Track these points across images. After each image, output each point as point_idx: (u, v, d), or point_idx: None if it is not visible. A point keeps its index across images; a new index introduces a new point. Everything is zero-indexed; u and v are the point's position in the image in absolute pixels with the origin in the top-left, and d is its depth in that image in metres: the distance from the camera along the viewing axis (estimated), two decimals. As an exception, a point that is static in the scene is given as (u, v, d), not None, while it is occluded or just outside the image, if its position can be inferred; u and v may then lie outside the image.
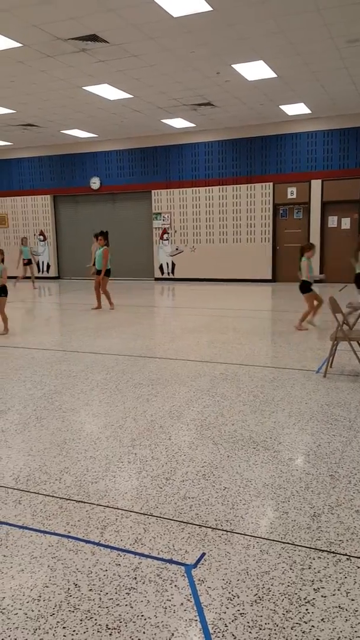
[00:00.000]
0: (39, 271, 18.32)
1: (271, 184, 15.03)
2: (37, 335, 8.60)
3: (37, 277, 16.72)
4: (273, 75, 10.17)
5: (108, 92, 11.13)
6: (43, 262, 18.57)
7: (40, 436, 4.13)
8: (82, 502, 3.08)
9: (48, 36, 8.06)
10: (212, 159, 15.68)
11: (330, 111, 13.51)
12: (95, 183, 17.26)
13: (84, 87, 10.85)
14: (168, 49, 8.72)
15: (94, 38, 8.19)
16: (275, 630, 2.05)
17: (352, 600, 2.21)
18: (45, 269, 18.58)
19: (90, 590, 2.31)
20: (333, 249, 14.73)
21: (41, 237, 18.42)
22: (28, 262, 15.48)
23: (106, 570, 2.44)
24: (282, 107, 12.82)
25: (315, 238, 14.70)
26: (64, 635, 2.04)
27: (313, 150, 14.46)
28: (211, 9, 7.14)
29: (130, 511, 2.95)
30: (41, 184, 18.15)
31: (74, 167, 17.56)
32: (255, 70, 9.86)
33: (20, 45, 8.41)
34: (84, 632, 2.06)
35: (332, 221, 14.70)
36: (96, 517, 2.91)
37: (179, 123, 14.39)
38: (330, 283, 14.54)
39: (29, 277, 15.69)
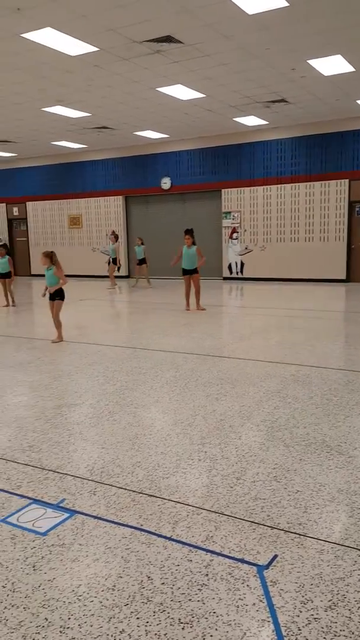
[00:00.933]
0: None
1: (347, 180, 14.59)
2: (109, 332, 8.81)
3: (108, 276, 17.15)
4: (351, 69, 9.87)
5: (181, 92, 11.22)
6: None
7: (113, 430, 4.23)
8: (153, 496, 3.13)
9: (123, 39, 8.22)
10: (285, 156, 15.43)
11: None
12: (166, 183, 17.45)
13: (158, 89, 10.99)
14: (242, 47, 8.67)
15: (168, 39, 8.28)
16: (351, 637, 1.99)
17: None
18: (116, 268, 18.97)
19: (163, 583, 2.34)
20: None
21: (113, 237, 18.84)
22: (140, 262, 15.77)
23: (178, 565, 2.46)
24: (359, 101, 12.42)
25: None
26: (138, 626, 2.08)
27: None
28: (287, 4, 7.02)
29: (201, 508, 2.97)
30: (113, 185, 18.56)
31: (145, 168, 17.84)
32: (332, 65, 9.61)
33: (97, 49, 8.63)
34: (157, 624, 2.09)
35: None
36: (167, 512, 2.94)
37: (251, 121, 14.27)
38: None
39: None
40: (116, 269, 16.24)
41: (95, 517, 2.90)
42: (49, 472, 3.48)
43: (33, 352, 7.23)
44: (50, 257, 7.74)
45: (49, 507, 3.02)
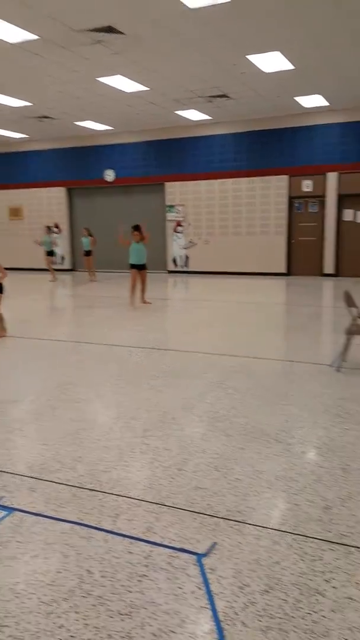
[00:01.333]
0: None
1: (286, 176, 14.92)
2: (52, 326, 8.66)
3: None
4: (290, 66, 10.07)
5: (123, 84, 11.11)
6: (57, 255, 18.65)
7: (54, 426, 4.17)
8: (94, 490, 3.11)
9: (64, 28, 8.05)
10: (227, 151, 15.60)
11: (349, 103, 13.35)
12: (109, 175, 17.27)
13: (99, 79, 10.83)
14: (184, 41, 8.67)
15: (109, 30, 8.17)
16: (285, 619, 2.07)
17: (363, 591, 2.22)
18: (59, 260, 18.66)
19: (103, 576, 2.34)
20: (349, 242, 14.63)
21: (56, 230, 18.50)
22: (86, 254, 15.56)
23: (118, 558, 2.47)
24: (298, 98, 12.71)
25: (330, 231, 14.60)
26: (77, 620, 2.08)
27: (330, 143, 14.32)
28: (229, 0, 7.08)
29: (142, 500, 2.98)
30: (55, 176, 18.19)
31: (88, 160, 17.58)
32: (272, 62, 9.78)
33: (37, 37, 8.42)
34: (96, 617, 2.09)
35: (348, 214, 14.57)
36: (108, 505, 2.94)
37: (194, 115, 14.33)
38: (346, 277, 14.44)
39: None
40: (54, 261, 15.97)
41: (34, 514, 2.86)
42: (-13, 470, 3.40)
43: (-29, 347, 7.01)
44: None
45: (-13, 506, 2.95)
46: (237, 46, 8.99)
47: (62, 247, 18.55)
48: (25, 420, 4.33)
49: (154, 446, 3.73)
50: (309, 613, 2.10)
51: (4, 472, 3.38)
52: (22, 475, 3.33)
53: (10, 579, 2.34)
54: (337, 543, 2.56)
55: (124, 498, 3.02)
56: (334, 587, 2.25)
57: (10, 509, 2.91)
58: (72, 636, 2.00)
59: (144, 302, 10.36)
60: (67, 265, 18.60)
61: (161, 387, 5.13)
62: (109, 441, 3.84)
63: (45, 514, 2.86)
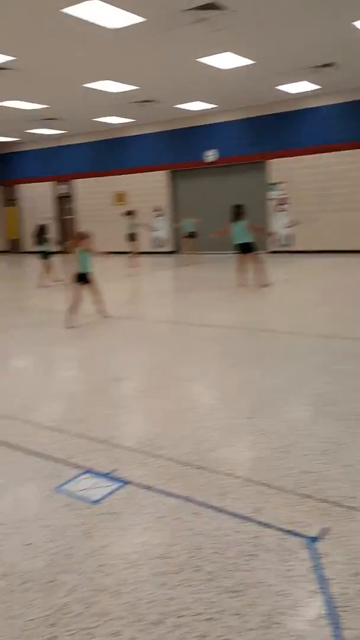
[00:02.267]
0: (155, 246, 18.81)
1: None
2: (155, 308, 8.86)
3: (154, 252, 17.16)
4: None
5: (225, 61, 10.95)
6: (159, 238, 18.97)
7: (160, 404, 4.28)
8: (201, 468, 3.15)
9: (169, 8, 8.04)
10: (333, 122, 14.87)
11: None
12: (210, 156, 17.18)
13: (201, 59, 10.75)
14: (287, 11, 8.34)
15: (212, 6, 8.05)
16: None
17: None
18: (161, 243, 18.98)
19: (213, 553, 2.37)
20: None
21: (158, 213, 18.80)
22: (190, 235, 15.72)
23: (227, 536, 2.49)
24: None
25: None
26: (190, 593, 2.12)
27: None
28: None
29: (250, 481, 2.97)
30: (158, 160, 18.43)
31: (189, 141, 17.61)
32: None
33: (141, 20, 8.47)
34: (208, 592, 2.12)
35: None
36: (216, 483, 2.97)
37: (298, 87, 13.78)
38: None
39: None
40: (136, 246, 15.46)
41: (145, 488, 2.96)
42: (100, 444, 3.56)
43: (80, 327, 7.35)
44: (83, 238, 7.48)
45: (101, 477, 3.10)
46: (342, 12, 8.48)
47: (163, 230, 18.83)
48: (132, 397, 4.48)
49: (260, 427, 3.70)
50: None
51: (116, 445, 3.52)
52: (133, 449, 3.46)
53: (125, 548, 2.44)
54: None
55: (232, 477, 3.03)
56: None
57: (123, 482, 3.03)
58: (184, 608, 2.05)
59: (262, 285, 9.86)
60: (168, 247, 18.88)
61: (266, 368, 5.07)
62: (215, 421, 3.87)
63: (155, 488, 2.95)
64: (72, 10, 7.88)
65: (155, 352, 5.85)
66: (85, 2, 7.61)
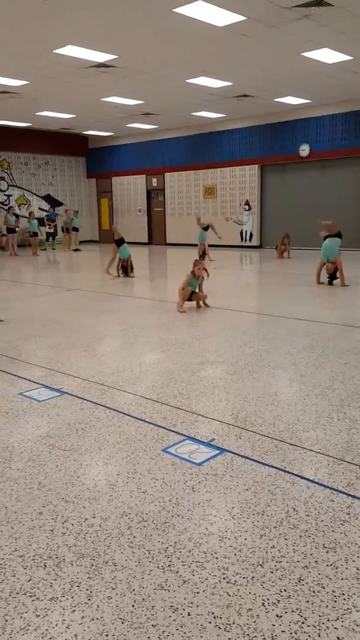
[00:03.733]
0: (242, 240, 18.99)
1: None
2: (244, 299, 9.08)
3: (240, 246, 17.28)
4: None
5: (328, 56, 10.90)
6: (246, 232, 19.13)
7: (253, 386, 4.54)
8: (295, 445, 3.39)
9: (272, 6, 8.20)
10: None
11: None
12: (304, 150, 17.07)
13: (303, 54, 10.78)
14: None
15: (318, 3, 8.10)
16: None
17: None
18: (248, 237, 19.12)
19: (308, 515, 2.61)
20: None
21: (246, 207, 18.94)
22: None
23: (321, 503, 2.72)
24: None
25: None
26: (286, 545, 2.38)
27: None
28: None
29: (342, 460, 3.17)
30: (249, 154, 18.55)
31: (283, 135, 17.57)
32: None
33: (245, 18, 8.69)
34: (304, 546, 2.37)
35: None
36: (309, 459, 3.19)
37: None
38: None
39: None
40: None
41: (242, 457, 3.24)
42: (198, 416, 3.88)
43: (169, 313, 7.73)
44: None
45: (201, 444, 3.41)
46: None
47: (251, 224, 18.96)
48: (226, 379, 4.77)
49: (352, 415, 3.86)
50: None
51: (213, 419, 3.83)
52: (228, 423, 3.75)
53: (227, 504, 2.73)
54: None
55: (324, 455, 3.24)
56: None
57: (221, 449, 3.33)
58: (282, 556, 2.31)
59: (343, 284, 9.98)
60: (255, 242, 18.97)
61: (356, 362, 5.17)
62: (306, 406, 4.07)
63: (252, 457, 3.22)
64: (183, 10, 8.23)
65: (246, 341, 6.10)
66: (195, 2, 7.94)
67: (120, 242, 11.67)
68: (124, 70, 11.91)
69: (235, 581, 2.16)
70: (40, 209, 22.50)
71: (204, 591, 2.11)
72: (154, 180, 21.78)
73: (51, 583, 2.18)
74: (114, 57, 10.86)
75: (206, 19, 8.68)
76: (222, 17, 8.65)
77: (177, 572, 2.23)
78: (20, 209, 21.58)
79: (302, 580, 2.16)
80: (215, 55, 10.87)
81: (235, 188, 19.22)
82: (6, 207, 20.14)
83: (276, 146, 17.81)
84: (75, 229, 20.58)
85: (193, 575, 2.21)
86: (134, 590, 2.13)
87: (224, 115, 17.90)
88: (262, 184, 18.69)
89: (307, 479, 2.96)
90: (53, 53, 10.51)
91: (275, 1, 8.02)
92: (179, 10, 8.22)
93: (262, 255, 16.84)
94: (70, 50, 10.33)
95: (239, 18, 8.70)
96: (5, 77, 12.49)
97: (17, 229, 18.54)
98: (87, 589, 2.14)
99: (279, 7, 8.27)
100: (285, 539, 2.44)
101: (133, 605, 2.04)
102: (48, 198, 22.95)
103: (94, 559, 2.32)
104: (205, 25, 8.97)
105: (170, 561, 2.30)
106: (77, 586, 2.16)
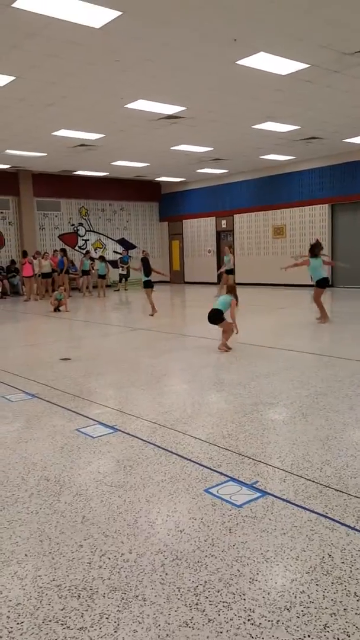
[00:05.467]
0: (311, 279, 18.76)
1: None
2: (304, 339, 8.99)
3: (310, 285, 17.03)
4: None
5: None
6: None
7: (305, 429, 4.49)
8: (340, 491, 3.33)
9: (335, 53, 8.38)
10: None
11: None
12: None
13: (370, 95, 10.84)
14: None
15: (382, 46, 8.20)
16: None
17: None
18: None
19: (343, 562, 2.56)
20: None
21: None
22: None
23: (359, 551, 2.66)
24: None
25: None
26: (317, 591, 2.35)
27: None
28: None
29: (387, 508, 3.08)
30: (319, 194, 18.54)
31: (354, 174, 17.46)
32: None
33: (308, 65, 8.93)
34: (334, 593, 2.33)
35: None
36: (353, 506, 3.12)
37: None
38: None
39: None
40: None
41: (284, 500, 3.22)
42: (245, 458, 3.90)
43: (229, 353, 7.79)
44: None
45: (244, 486, 3.43)
46: None
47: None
48: (278, 420, 4.75)
49: None
50: None
51: (259, 461, 3.84)
52: (274, 466, 3.74)
53: (262, 547, 2.74)
54: None
55: (369, 503, 3.16)
56: None
57: (263, 492, 3.33)
58: (311, 601, 2.29)
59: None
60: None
61: None
62: (358, 451, 3.98)
63: (294, 502, 3.20)
64: (245, 62, 8.61)
65: (304, 382, 6.04)
66: (257, 54, 8.29)
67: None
68: (192, 120, 12.47)
69: (260, 623, 2.17)
70: (114, 252, 23.51)
71: (227, 631, 2.14)
72: (224, 222, 22.19)
73: (82, 613, 2.28)
74: (182, 108, 11.43)
75: (269, 69, 9.00)
76: (285, 66, 8.94)
77: (204, 610, 2.27)
78: (96, 252, 22.63)
79: (328, 627, 2.13)
80: (280, 102, 11.16)
81: (304, 227, 19.19)
82: (84, 251, 21.22)
83: (347, 185, 17.71)
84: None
85: (219, 614, 2.24)
86: (159, 625, 2.19)
87: (294, 157, 18.10)
88: (333, 223, 18.53)
89: (348, 526, 2.90)
90: (125, 108, 11.22)
91: (337, 48, 8.21)
92: (241, 62, 8.59)
93: (333, 293, 16.56)
94: (141, 105, 11.00)
95: (302, 66, 8.96)
96: (83, 132, 13.43)
97: (92, 271, 19.45)
98: (115, 622, 2.22)
99: (342, 54, 8.45)
100: (317, 584, 2.41)
101: (156, 640, 2.10)
102: (122, 241, 23.94)
103: (125, 593, 2.41)
104: (268, 75, 9.29)
105: (198, 599, 2.34)
106: (106, 618, 2.25)
